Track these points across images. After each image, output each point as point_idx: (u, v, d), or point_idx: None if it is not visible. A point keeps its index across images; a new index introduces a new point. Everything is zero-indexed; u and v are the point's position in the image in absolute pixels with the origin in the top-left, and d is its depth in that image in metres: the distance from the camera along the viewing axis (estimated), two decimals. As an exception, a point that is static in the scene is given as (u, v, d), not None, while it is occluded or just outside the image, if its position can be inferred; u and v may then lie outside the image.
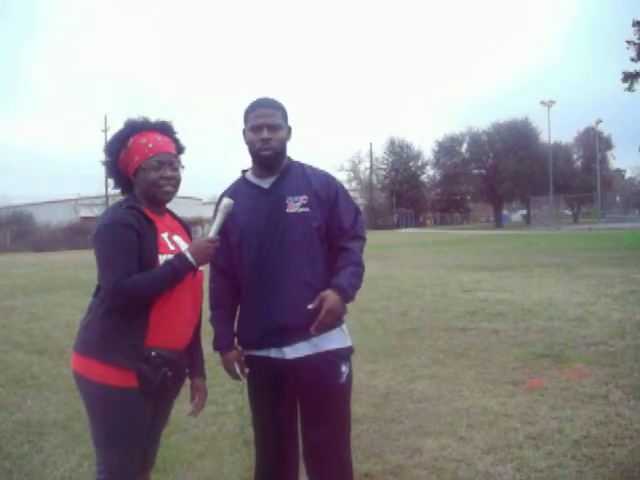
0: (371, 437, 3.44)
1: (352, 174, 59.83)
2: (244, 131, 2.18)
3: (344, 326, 2.19)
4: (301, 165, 2.23)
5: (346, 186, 2.33)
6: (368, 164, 60.85)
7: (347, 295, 2.08)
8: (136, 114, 2.07)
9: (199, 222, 32.25)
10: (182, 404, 1.98)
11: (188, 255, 1.89)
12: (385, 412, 3.84)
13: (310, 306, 2.00)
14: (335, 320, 2.06)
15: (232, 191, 2.22)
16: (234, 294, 2.20)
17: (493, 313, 7.22)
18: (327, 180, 2.21)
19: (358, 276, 2.13)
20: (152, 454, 2.11)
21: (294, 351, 2.08)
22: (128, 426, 1.90)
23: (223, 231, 2.07)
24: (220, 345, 2.19)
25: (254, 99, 2.18)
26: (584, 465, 2.96)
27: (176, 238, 2.04)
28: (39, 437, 3.61)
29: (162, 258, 1.90)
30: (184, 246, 2.00)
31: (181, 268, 1.88)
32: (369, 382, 4.49)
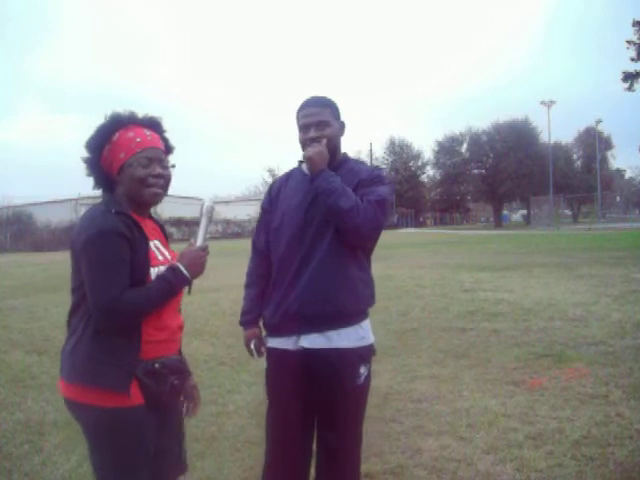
0: (371, 437, 3.42)
1: (352, 174, 59.75)
2: None
3: (363, 323, 2.15)
4: (355, 161, 2.29)
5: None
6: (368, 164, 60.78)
7: (318, 178, 2.04)
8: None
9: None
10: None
11: (182, 269, 1.76)
12: (385, 412, 3.84)
13: None
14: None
15: (285, 177, 2.31)
16: (267, 275, 2.25)
17: (493, 313, 7.22)
18: (371, 170, 2.21)
19: (342, 194, 2.00)
20: (182, 453, 1.95)
21: (308, 341, 2.09)
22: (137, 446, 1.73)
23: (267, 212, 2.24)
24: (242, 321, 2.30)
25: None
26: (584, 465, 2.96)
27: (157, 243, 1.85)
28: (39, 437, 3.61)
29: (153, 271, 1.75)
30: (165, 252, 1.86)
31: (177, 284, 1.76)
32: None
